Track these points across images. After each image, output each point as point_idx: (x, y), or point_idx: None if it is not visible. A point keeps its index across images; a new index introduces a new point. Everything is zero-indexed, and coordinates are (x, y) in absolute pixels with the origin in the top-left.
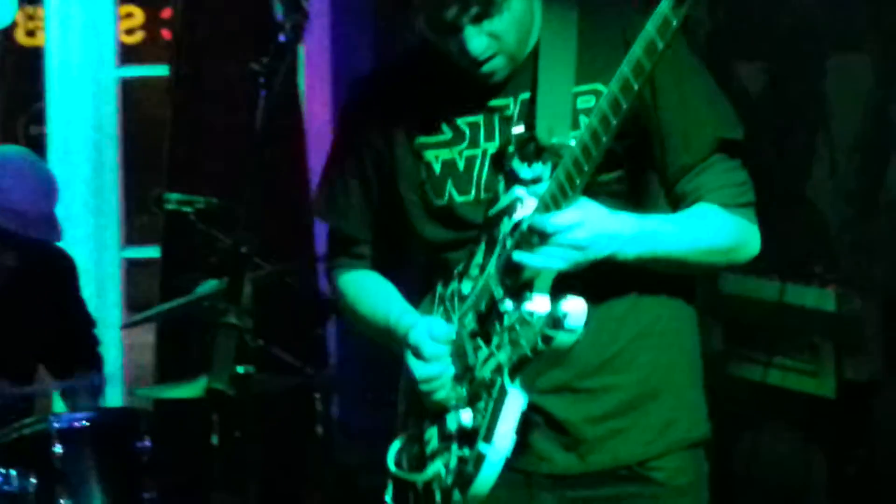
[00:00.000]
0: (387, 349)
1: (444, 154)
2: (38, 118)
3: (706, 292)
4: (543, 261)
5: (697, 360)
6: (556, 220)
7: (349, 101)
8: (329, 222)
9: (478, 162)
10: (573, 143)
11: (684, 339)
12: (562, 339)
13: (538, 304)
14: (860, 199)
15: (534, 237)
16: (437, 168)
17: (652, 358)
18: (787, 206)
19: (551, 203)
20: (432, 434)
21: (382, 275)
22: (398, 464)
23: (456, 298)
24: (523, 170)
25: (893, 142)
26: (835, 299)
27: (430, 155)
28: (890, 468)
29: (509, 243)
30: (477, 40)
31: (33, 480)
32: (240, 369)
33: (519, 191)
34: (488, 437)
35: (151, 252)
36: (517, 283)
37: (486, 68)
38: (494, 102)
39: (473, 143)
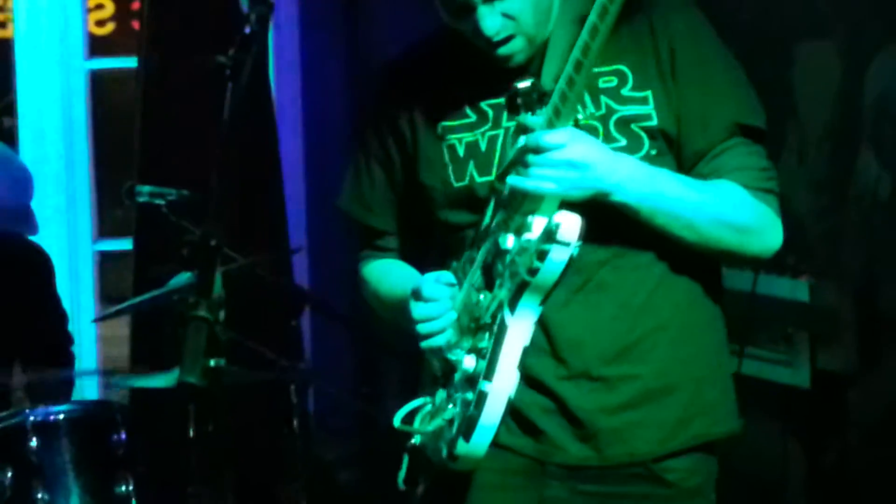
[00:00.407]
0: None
1: (468, 137)
2: (10, 110)
3: None
4: (536, 182)
5: (721, 356)
6: (549, 136)
7: (376, 91)
8: (354, 215)
9: (500, 141)
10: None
11: (706, 334)
12: (555, 251)
13: (536, 229)
14: (831, 188)
15: (528, 156)
16: (462, 151)
17: (670, 350)
18: None
19: (549, 124)
20: (441, 396)
21: (408, 263)
22: (407, 422)
23: (467, 264)
24: (530, 119)
25: (862, 131)
26: (808, 290)
27: (453, 138)
28: (865, 457)
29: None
30: (490, 20)
31: (9, 474)
32: (211, 362)
33: (524, 138)
34: (489, 375)
35: (124, 244)
36: (518, 220)
37: (502, 50)
38: (518, 84)
39: (496, 124)
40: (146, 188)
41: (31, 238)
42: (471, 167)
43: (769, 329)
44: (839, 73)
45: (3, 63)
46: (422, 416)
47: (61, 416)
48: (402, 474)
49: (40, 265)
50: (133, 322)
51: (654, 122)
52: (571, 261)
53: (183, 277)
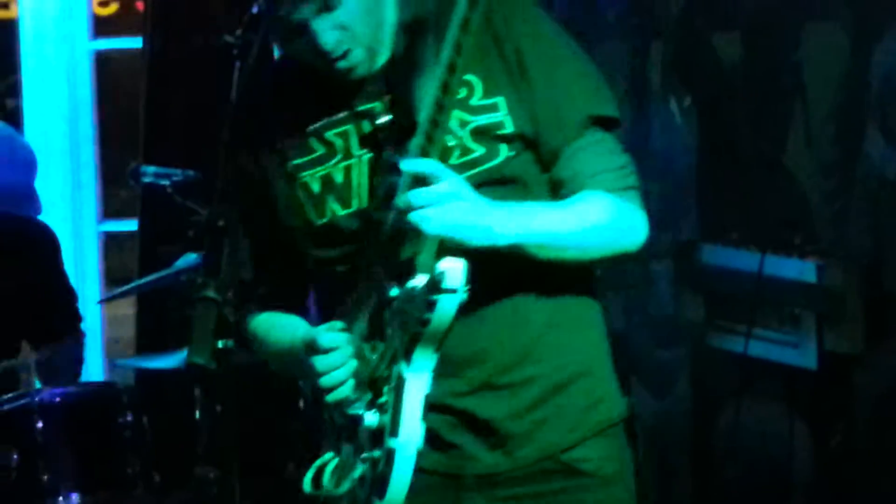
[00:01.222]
0: None
1: (320, 171)
2: (14, 91)
3: (685, 265)
4: (418, 218)
5: (605, 344)
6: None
7: (222, 136)
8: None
9: (355, 171)
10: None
11: (593, 324)
12: (444, 301)
13: (421, 279)
14: (838, 168)
15: (407, 193)
16: (316, 187)
17: (566, 343)
18: (764, 176)
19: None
20: (349, 451)
21: (291, 309)
22: (316, 485)
23: (352, 310)
24: (395, 158)
25: (869, 111)
26: (815, 270)
27: (305, 175)
28: (871, 439)
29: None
30: (327, 34)
31: (15, 456)
32: (219, 343)
33: (396, 177)
34: (394, 431)
35: (129, 225)
36: (398, 266)
37: (342, 64)
38: (362, 108)
39: (347, 154)
40: (151, 169)
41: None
42: (330, 202)
43: (776, 310)
44: (846, 54)
45: (8, 43)
46: (330, 472)
47: (67, 398)
48: None
49: (47, 244)
50: (138, 303)
51: (508, 129)
52: (461, 305)
53: (189, 258)
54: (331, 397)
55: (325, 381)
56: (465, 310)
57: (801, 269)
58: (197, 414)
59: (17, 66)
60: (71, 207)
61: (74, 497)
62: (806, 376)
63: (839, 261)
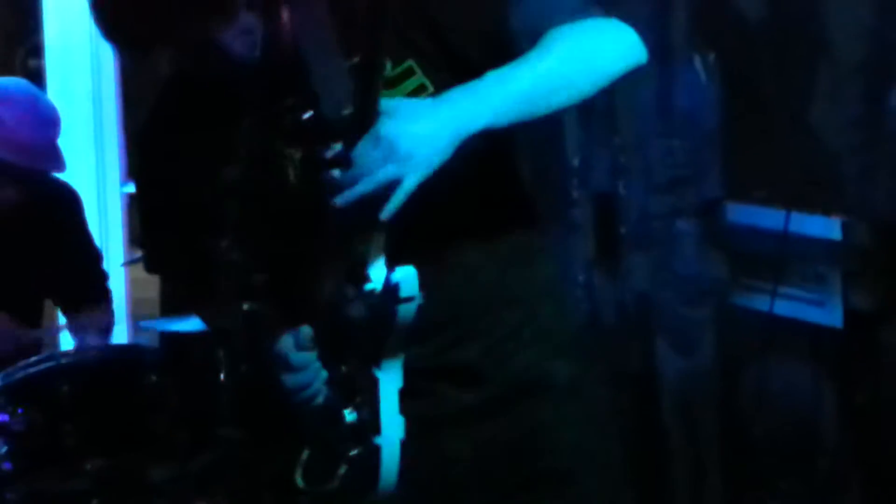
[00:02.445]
0: None
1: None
2: (37, 51)
3: (710, 223)
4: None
5: (557, 270)
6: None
7: (140, 158)
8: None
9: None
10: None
11: (543, 258)
12: (403, 311)
13: (378, 282)
14: (863, 124)
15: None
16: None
17: (522, 281)
18: (789, 133)
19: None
20: (326, 446)
21: None
22: (308, 481)
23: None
24: (323, 153)
25: None
26: (841, 227)
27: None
28: None
29: None
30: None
31: (40, 419)
32: (244, 306)
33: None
34: (376, 428)
35: None
36: (351, 266)
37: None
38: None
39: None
40: None
41: (60, 176)
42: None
43: (801, 268)
44: (871, 9)
45: (30, 4)
46: (308, 466)
47: (91, 361)
48: None
49: (71, 203)
50: None
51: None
52: (420, 308)
53: None
54: (303, 410)
55: (297, 397)
56: (421, 285)
57: (826, 227)
58: (221, 376)
59: (39, 26)
60: (94, 168)
61: (99, 459)
62: (831, 334)
63: (865, 218)
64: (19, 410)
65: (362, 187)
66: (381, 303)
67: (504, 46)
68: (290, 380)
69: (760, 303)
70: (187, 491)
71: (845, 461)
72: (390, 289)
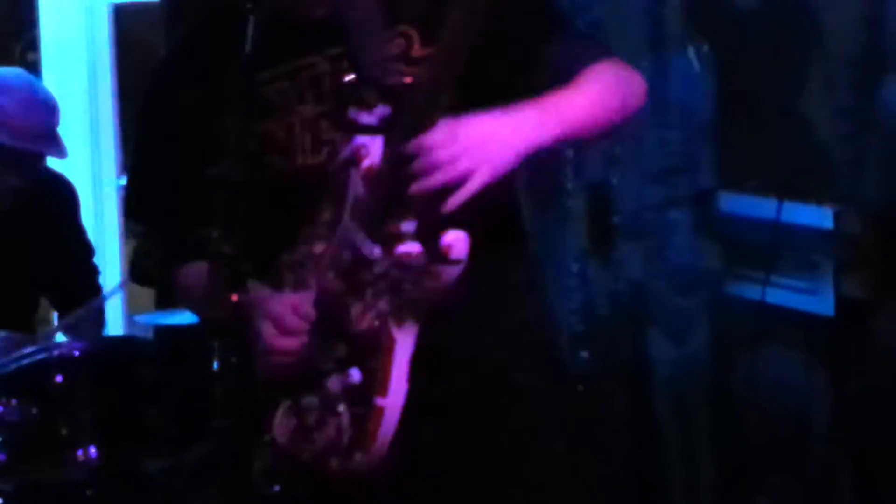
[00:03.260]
0: None
1: (259, 128)
2: (34, 45)
3: (703, 213)
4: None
5: (534, 274)
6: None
7: (148, 95)
8: (150, 224)
9: (297, 128)
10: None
11: (520, 262)
12: (449, 272)
13: (411, 245)
14: (855, 114)
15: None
16: (255, 144)
17: (497, 283)
18: (782, 122)
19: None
20: (311, 401)
21: None
22: (284, 437)
23: (308, 262)
24: (362, 117)
25: (887, 55)
26: (832, 216)
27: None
28: (889, 385)
29: (363, 192)
30: None
31: (34, 410)
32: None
33: (361, 138)
34: (384, 390)
35: None
36: (382, 229)
37: None
38: (299, 62)
39: (286, 111)
40: None
41: (57, 167)
42: (271, 160)
43: (793, 257)
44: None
45: None
46: (284, 420)
47: (86, 352)
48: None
49: (67, 196)
50: None
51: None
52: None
53: None
54: (287, 371)
55: (278, 358)
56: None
57: (818, 216)
58: (215, 366)
59: (36, 20)
60: (90, 162)
61: (93, 450)
62: (823, 323)
63: (856, 207)
64: (13, 401)
65: (438, 177)
66: (423, 259)
67: (530, 75)
68: (281, 341)
69: (753, 291)
70: (181, 482)
71: (837, 449)
72: (440, 248)
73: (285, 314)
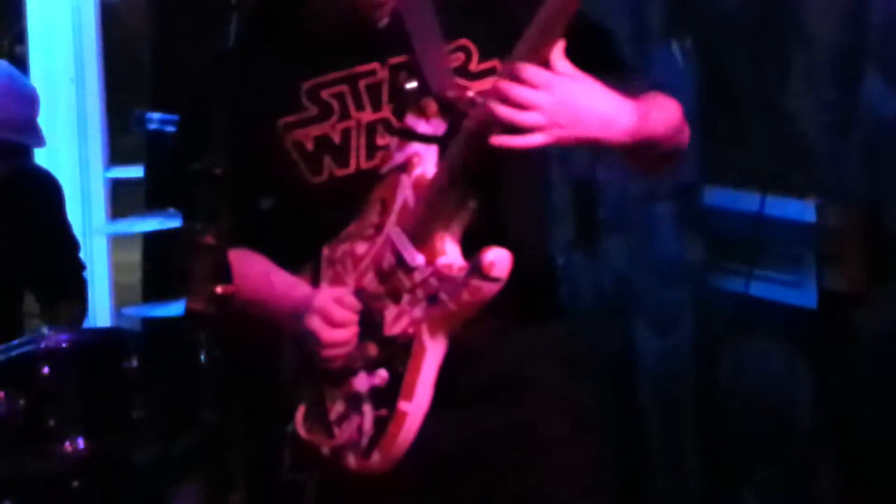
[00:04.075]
0: None
1: (315, 131)
2: (21, 38)
3: (687, 207)
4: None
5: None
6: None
7: (194, 91)
8: (185, 213)
9: (354, 133)
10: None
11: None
12: (488, 289)
13: (453, 257)
14: (838, 109)
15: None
16: (311, 146)
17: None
18: (765, 116)
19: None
20: (337, 397)
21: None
22: (309, 431)
23: (349, 260)
24: (420, 125)
25: (870, 49)
26: (815, 210)
27: (299, 134)
28: (872, 376)
29: (412, 199)
30: None
31: (21, 401)
32: (218, 289)
33: (416, 146)
34: (409, 395)
35: (135, 172)
36: (426, 238)
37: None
38: (359, 69)
39: (345, 115)
40: (156, 115)
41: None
42: (327, 161)
43: (776, 250)
44: None
45: None
46: (308, 416)
47: (73, 343)
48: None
49: (49, 190)
50: (144, 249)
51: None
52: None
53: None
54: (330, 365)
55: (329, 352)
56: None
57: (800, 210)
58: (202, 358)
59: (23, 13)
60: (78, 154)
61: (81, 441)
62: (806, 315)
63: (839, 200)
64: (0, 393)
65: (509, 115)
66: (464, 273)
67: None
68: (325, 333)
69: (736, 284)
70: (169, 473)
71: (820, 441)
72: (482, 265)
73: (331, 306)
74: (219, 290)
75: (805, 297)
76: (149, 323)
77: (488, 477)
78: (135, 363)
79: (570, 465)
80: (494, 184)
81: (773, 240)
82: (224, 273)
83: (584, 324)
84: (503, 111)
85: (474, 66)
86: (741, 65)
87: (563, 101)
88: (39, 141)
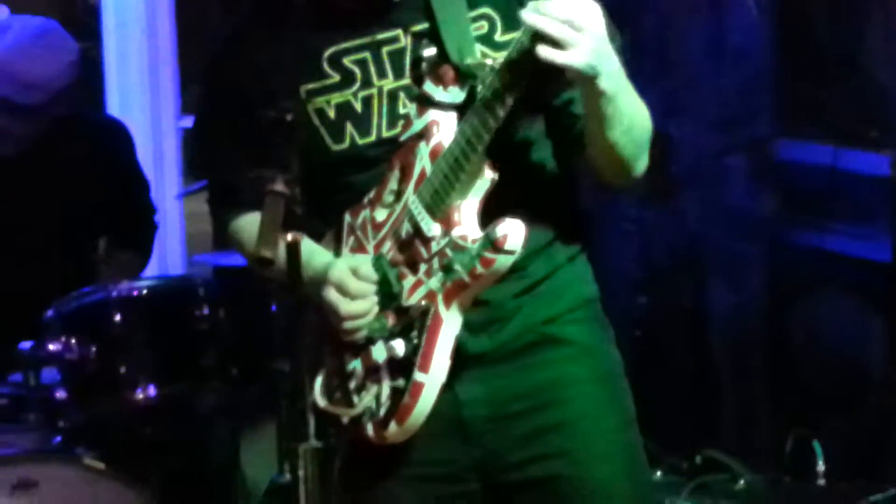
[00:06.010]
0: None
1: (337, 98)
2: None
3: (761, 160)
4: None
5: (585, 236)
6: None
7: (220, 56)
8: (212, 178)
9: (375, 101)
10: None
11: (572, 224)
12: (501, 261)
13: (469, 228)
14: None
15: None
16: (332, 113)
17: (549, 242)
18: (841, 71)
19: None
20: (355, 367)
21: None
22: (329, 400)
23: (369, 227)
24: (438, 93)
25: None
26: (890, 164)
27: (320, 101)
28: None
29: (429, 167)
30: None
31: (93, 349)
32: (288, 237)
33: (435, 114)
34: (425, 366)
35: None
36: (443, 208)
37: None
38: (381, 36)
39: (367, 83)
40: None
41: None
42: (349, 129)
43: (850, 204)
44: None
45: None
46: (327, 385)
47: (144, 291)
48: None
49: (119, 136)
50: None
51: None
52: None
53: None
54: (349, 336)
55: (348, 324)
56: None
57: (875, 163)
58: (273, 307)
59: None
60: (150, 103)
61: (152, 388)
62: (880, 269)
63: None
64: (72, 340)
65: (544, 24)
66: (478, 245)
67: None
68: (344, 305)
69: (810, 238)
70: (237, 421)
71: (892, 394)
72: (497, 237)
73: (348, 278)
74: (289, 237)
75: (879, 250)
76: (220, 271)
77: (519, 436)
78: (206, 311)
79: (599, 423)
80: (513, 148)
81: (847, 193)
82: (293, 220)
83: (655, 278)
84: (544, 24)
85: (499, 35)
86: (818, 18)
87: (594, 32)
88: (71, 105)
